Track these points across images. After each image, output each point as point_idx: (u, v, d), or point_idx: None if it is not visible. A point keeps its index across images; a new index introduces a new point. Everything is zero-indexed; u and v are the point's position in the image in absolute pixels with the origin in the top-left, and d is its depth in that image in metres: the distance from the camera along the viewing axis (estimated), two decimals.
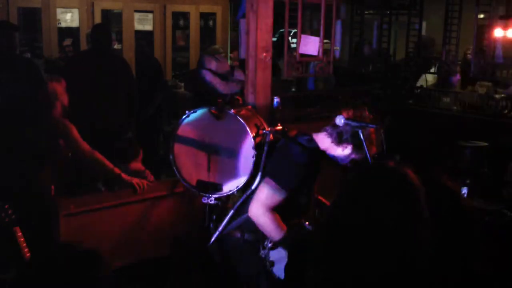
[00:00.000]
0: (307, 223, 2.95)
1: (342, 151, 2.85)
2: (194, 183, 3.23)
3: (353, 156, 2.87)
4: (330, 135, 2.85)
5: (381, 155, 2.83)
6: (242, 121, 3.05)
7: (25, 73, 4.96)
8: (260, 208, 2.79)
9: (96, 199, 3.98)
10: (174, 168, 3.24)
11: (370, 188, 1.61)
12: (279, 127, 3.10)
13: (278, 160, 2.89)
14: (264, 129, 3.08)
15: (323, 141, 2.88)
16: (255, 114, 3.25)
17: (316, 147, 2.89)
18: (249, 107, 3.26)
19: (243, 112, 3.15)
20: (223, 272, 3.25)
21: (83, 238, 3.78)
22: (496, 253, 1.80)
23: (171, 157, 3.21)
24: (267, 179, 2.82)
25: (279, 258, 2.82)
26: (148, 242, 4.18)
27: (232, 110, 3.11)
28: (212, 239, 3.08)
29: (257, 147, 2.99)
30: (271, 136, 3.01)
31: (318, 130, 2.93)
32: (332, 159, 2.93)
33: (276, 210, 2.82)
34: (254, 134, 3.03)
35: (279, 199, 2.80)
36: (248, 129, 3.03)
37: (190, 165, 3.22)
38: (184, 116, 3.21)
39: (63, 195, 3.96)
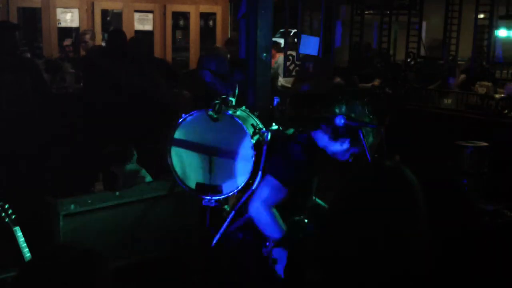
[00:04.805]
0: (306, 220, 2.95)
1: (341, 146, 2.86)
2: (193, 186, 3.23)
3: (352, 150, 2.88)
4: (326, 131, 2.86)
5: (381, 155, 2.83)
6: (240, 121, 3.05)
7: (27, 72, 4.98)
8: (261, 206, 2.79)
9: (96, 199, 3.98)
10: (173, 172, 3.23)
11: (369, 189, 1.61)
12: (275, 127, 3.10)
13: (279, 159, 2.89)
14: (261, 129, 3.08)
15: (321, 138, 2.89)
16: (249, 114, 3.25)
17: (315, 144, 2.89)
18: (243, 107, 3.26)
19: (238, 113, 3.15)
20: (225, 273, 3.24)
21: (83, 238, 3.78)
22: (495, 253, 1.81)
23: (168, 161, 3.19)
24: (268, 177, 2.83)
25: (279, 258, 2.82)
26: (148, 242, 4.18)
27: (229, 111, 3.11)
28: (214, 241, 3.08)
29: (256, 147, 2.99)
30: (269, 135, 3.01)
31: (314, 129, 2.94)
32: (332, 156, 2.93)
33: (277, 208, 2.83)
34: (251, 134, 3.03)
35: (280, 197, 2.80)
36: (246, 129, 3.02)
37: (188, 168, 3.21)
38: (179, 120, 3.19)
39: (63, 195, 3.96)
